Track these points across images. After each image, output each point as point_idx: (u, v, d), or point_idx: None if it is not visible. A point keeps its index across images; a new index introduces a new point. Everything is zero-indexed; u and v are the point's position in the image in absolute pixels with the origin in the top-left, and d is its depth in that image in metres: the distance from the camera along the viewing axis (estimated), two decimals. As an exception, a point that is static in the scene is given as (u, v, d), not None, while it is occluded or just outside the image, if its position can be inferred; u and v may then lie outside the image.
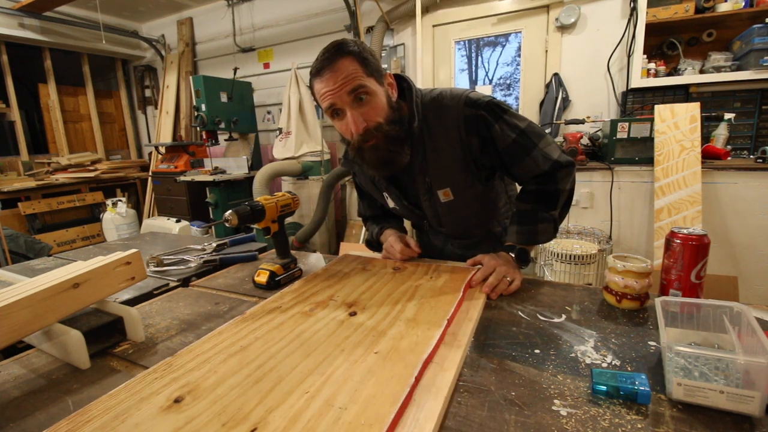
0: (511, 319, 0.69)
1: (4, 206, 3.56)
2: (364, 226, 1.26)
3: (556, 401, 0.47)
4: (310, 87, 0.86)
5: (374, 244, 1.15)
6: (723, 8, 2.25)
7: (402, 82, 0.93)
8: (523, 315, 0.71)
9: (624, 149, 2.27)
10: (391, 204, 1.06)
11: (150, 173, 4.21)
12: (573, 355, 0.57)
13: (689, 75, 2.39)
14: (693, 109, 2.13)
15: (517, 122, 0.89)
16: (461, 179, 0.95)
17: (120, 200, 3.90)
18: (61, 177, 3.90)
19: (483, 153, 0.92)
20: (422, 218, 1.06)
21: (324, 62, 0.79)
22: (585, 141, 2.60)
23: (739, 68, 2.30)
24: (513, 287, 0.81)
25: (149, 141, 4.96)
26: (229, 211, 0.80)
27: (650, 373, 0.52)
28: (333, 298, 0.77)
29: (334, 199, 3.43)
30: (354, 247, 2.67)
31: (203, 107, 3.24)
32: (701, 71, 2.40)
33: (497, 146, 0.90)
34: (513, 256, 0.89)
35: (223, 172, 3.47)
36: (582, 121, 2.52)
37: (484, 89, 2.89)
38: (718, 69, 2.33)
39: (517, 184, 1.06)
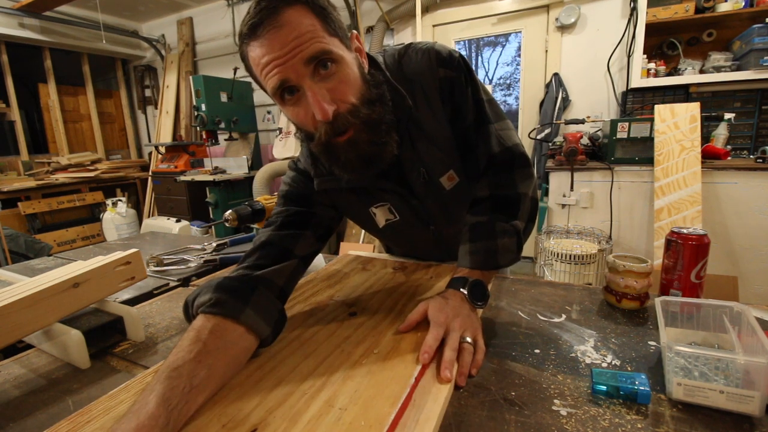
0: (511, 319, 0.69)
1: (4, 206, 3.56)
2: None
3: (556, 401, 0.47)
4: (242, 58, 0.56)
5: (188, 315, 0.58)
6: (723, 8, 2.25)
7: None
8: (523, 315, 0.71)
9: (624, 149, 2.27)
10: (382, 221, 0.80)
11: (150, 173, 4.21)
12: (573, 354, 0.57)
13: (689, 75, 2.39)
14: (693, 109, 2.13)
15: (481, 92, 0.71)
16: (458, 156, 0.75)
17: (120, 200, 3.90)
18: (61, 177, 3.90)
19: (453, 126, 0.72)
20: (428, 222, 0.82)
21: (262, 14, 0.51)
22: (585, 141, 2.60)
23: (739, 68, 2.30)
24: (479, 359, 0.54)
25: (149, 141, 4.96)
26: (229, 211, 0.80)
27: (650, 373, 0.52)
28: (333, 298, 0.77)
29: (334, 199, 3.42)
30: (354, 246, 2.66)
31: (203, 107, 3.24)
32: (701, 71, 2.40)
33: (465, 117, 0.71)
34: (465, 293, 0.62)
35: (223, 172, 3.47)
36: (582, 121, 2.52)
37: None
38: (718, 69, 2.33)
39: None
